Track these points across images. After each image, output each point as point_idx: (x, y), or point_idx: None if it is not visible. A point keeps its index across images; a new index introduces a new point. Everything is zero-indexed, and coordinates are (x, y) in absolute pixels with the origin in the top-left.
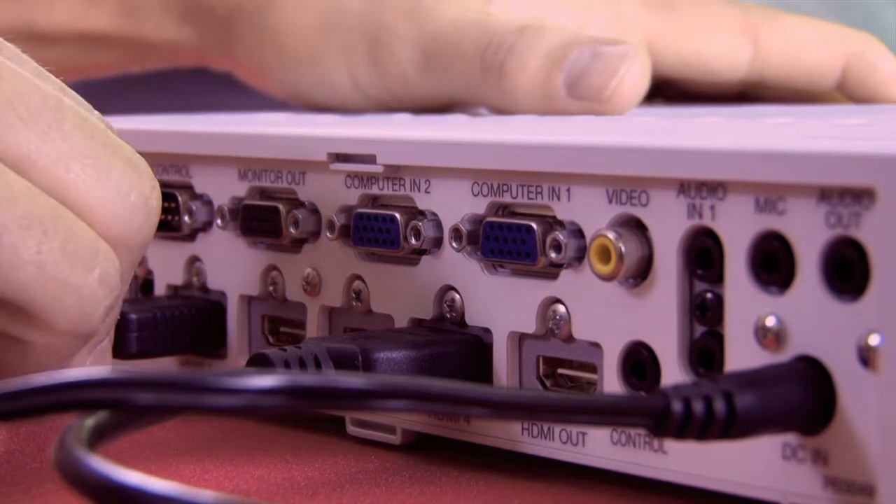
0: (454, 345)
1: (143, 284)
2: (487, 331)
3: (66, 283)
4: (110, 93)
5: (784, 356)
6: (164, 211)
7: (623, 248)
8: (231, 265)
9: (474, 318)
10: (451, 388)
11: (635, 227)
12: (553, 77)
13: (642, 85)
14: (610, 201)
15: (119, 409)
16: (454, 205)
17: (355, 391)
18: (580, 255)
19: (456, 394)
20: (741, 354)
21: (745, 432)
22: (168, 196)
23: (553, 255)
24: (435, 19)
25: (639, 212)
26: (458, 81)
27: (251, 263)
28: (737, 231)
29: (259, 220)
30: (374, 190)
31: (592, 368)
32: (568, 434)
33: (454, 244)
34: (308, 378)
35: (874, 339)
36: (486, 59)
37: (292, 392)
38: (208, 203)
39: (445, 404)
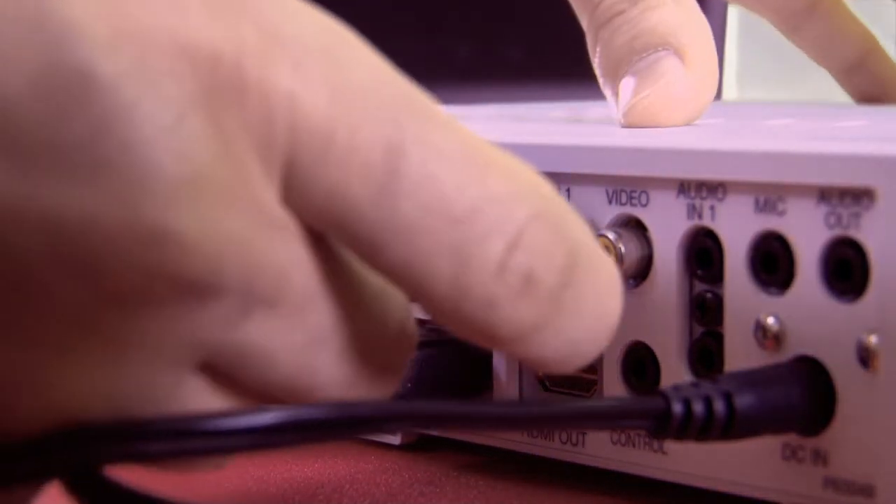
0: (455, 345)
1: None
2: None
3: None
4: None
5: (783, 356)
6: None
7: (623, 249)
8: None
9: None
10: (457, 409)
11: (635, 227)
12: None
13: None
14: (610, 201)
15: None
16: None
17: (365, 418)
18: None
19: (461, 413)
20: (741, 354)
21: (744, 433)
22: None
23: None
24: None
25: (639, 212)
26: None
27: None
28: (737, 231)
29: None
30: None
31: (592, 368)
32: (568, 434)
33: None
34: (311, 410)
35: (873, 340)
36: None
37: (295, 426)
38: None
39: (450, 423)
